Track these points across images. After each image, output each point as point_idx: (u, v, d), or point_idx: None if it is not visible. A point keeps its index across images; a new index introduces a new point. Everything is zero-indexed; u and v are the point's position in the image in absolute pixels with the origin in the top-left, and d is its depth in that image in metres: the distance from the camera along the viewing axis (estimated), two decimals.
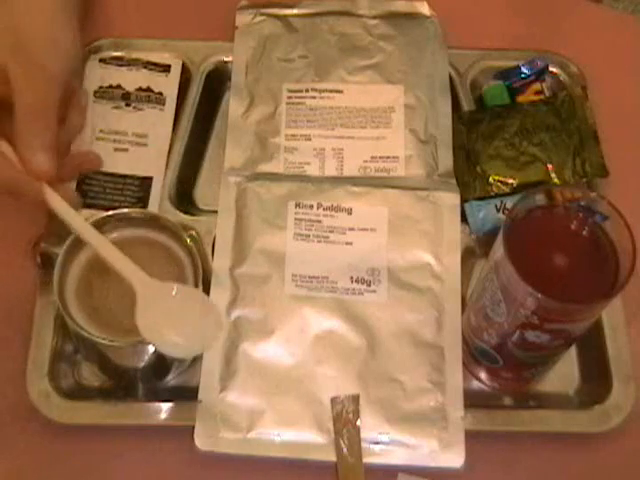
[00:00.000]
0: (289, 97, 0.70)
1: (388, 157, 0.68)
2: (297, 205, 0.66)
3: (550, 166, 0.68)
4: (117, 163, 0.68)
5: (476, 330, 0.60)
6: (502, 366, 0.61)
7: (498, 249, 0.53)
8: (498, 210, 0.67)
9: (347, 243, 0.65)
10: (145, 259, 0.59)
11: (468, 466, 0.59)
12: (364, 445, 0.59)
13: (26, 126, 0.57)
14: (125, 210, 0.62)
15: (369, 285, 0.63)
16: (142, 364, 0.61)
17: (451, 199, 0.66)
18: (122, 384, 0.63)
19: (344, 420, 0.59)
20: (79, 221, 0.58)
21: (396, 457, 0.59)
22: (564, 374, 0.64)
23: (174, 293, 0.57)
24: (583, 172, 0.68)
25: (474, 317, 0.60)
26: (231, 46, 0.72)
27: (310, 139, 0.69)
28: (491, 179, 0.67)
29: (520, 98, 0.72)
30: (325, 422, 0.59)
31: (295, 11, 0.74)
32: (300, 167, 0.68)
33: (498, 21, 0.77)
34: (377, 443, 0.59)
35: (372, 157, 0.69)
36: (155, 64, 0.72)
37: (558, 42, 0.75)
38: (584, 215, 0.54)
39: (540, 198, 0.55)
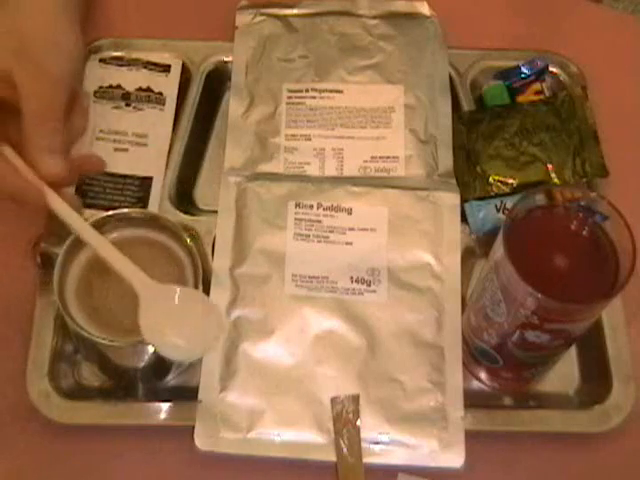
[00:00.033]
0: (289, 97, 0.70)
1: (388, 157, 0.68)
2: (297, 205, 0.66)
3: (550, 166, 0.68)
4: (117, 163, 0.68)
5: (476, 330, 0.60)
6: (502, 366, 0.61)
7: (498, 249, 0.53)
8: (498, 210, 0.67)
9: (347, 243, 0.65)
10: (145, 259, 0.59)
11: (468, 466, 0.59)
12: (364, 445, 0.59)
13: (34, 130, 0.58)
14: (125, 210, 0.62)
15: (369, 285, 0.63)
16: (142, 364, 0.61)
17: (451, 199, 0.66)
18: (122, 384, 0.63)
19: (344, 420, 0.59)
20: (80, 223, 0.58)
21: (396, 457, 0.59)
22: (564, 374, 0.64)
23: (176, 296, 0.58)
24: (583, 172, 0.68)
25: (474, 317, 0.60)
26: (231, 46, 0.72)
27: (310, 139, 0.69)
28: (491, 179, 0.68)
29: (520, 98, 0.72)
30: (325, 422, 0.59)
31: (295, 11, 0.74)
32: (300, 167, 0.68)
33: (498, 21, 0.77)
34: (377, 443, 0.59)
35: (372, 157, 0.69)
36: (155, 64, 0.72)
37: (558, 42, 0.75)
38: (584, 215, 0.54)
39: (540, 198, 0.55)
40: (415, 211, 0.66)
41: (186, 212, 0.67)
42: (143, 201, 0.67)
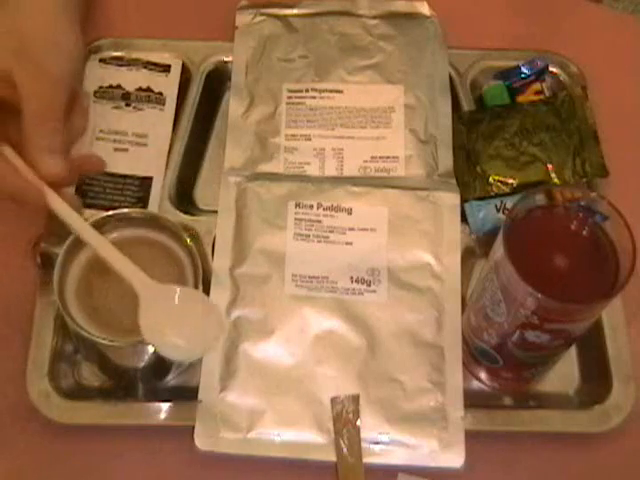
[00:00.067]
0: (289, 97, 0.70)
1: (388, 157, 0.68)
2: (297, 205, 0.66)
3: (550, 166, 0.68)
4: (117, 163, 0.68)
5: (476, 330, 0.60)
6: (502, 366, 0.61)
7: (498, 249, 0.53)
8: (498, 210, 0.67)
9: (347, 243, 0.65)
10: (145, 259, 0.59)
11: (468, 466, 0.59)
12: (364, 445, 0.59)
13: (35, 130, 0.58)
14: (125, 210, 0.62)
15: (369, 285, 0.63)
16: (142, 364, 0.61)
17: (451, 199, 0.66)
18: (122, 384, 0.63)
19: (344, 420, 0.59)
20: (80, 223, 0.58)
21: (396, 457, 0.59)
22: (564, 374, 0.64)
23: (176, 296, 0.58)
24: (583, 172, 0.68)
25: (474, 317, 0.60)
26: (231, 46, 0.72)
27: (310, 139, 0.69)
28: (491, 179, 0.67)
29: (520, 98, 0.72)
30: (325, 422, 0.59)
31: (295, 11, 0.74)
32: (300, 167, 0.68)
33: (498, 21, 0.77)
34: (377, 443, 0.59)
35: (372, 157, 0.69)
36: (155, 64, 0.72)
37: (558, 42, 0.75)
38: (584, 215, 0.54)
39: (540, 198, 0.55)
40: (415, 211, 0.66)
41: (186, 212, 0.67)
42: (143, 201, 0.67)
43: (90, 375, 0.63)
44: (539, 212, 0.55)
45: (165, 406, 0.60)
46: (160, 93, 0.71)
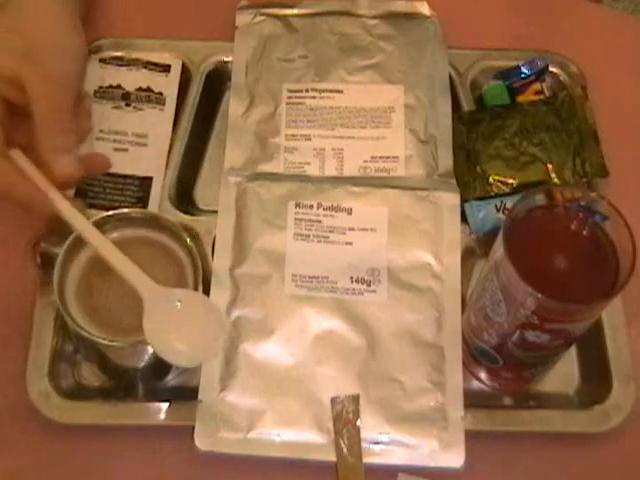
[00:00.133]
0: (289, 97, 0.70)
1: (388, 157, 0.68)
2: (297, 205, 0.66)
3: (550, 166, 0.68)
4: (117, 163, 0.68)
5: (476, 330, 0.60)
6: (502, 366, 0.61)
7: (498, 249, 0.53)
8: (498, 210, 0.67)
9: (347, 243, 0.65)
10: (145, 259, 0.59)
11: (468, 466, 0.59)
12: (364, 445, 0.59)
13: (46, 131, 0.58)
14: (125, 210, 0.62)
15: (369, 285, 0.63)
16: (142, 364, 0.61)
17: (451, 199, 0.66)
18: (122, 384, 0.63)
19: (344, 420, 0.59)
20: (89, 228, 0.58)
21: (396, 457, 0.59)
22: (564, 374, 0.64)
23: (179, 300, 0.58)
24: (583, 172, 0.68)
25: (474, 317, 0.60)
26: (231, 46, 0.72)
27: (310, 139, 0.69)
28: (491, 179, 0.67)
29: (520, 98, 0.72)
30: (325, 422, 0.59)
31: (295, 11, 0.74)
32: (300, 167, 0.68)
33: (498, 21, 0.77)
34: (377, 443, 0.59)
35: (372, 157, 0.69)
36: (155, 64, 0.72)
37: (558, 42, 0.75)
38: (584, 215, 0.54)
39: (540, 198, 0.55)
40: (415, 211, 0.66)
41: (186, 212, 0.67)
42: (143, 201, 0.67)
43: (90, 375, 0.63)
44: (539, 212, 0.55)
45: (165, 406, 0.60)
46: (160, 93, 0.71)
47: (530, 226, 0.54)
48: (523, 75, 0.72)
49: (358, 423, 0.59)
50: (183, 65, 0.72)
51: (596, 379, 0.63)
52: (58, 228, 0.60)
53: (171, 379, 0.63)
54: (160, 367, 0.62)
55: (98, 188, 0.67)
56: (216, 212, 0.66)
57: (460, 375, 0.61)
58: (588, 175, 0.68)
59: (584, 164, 0.68)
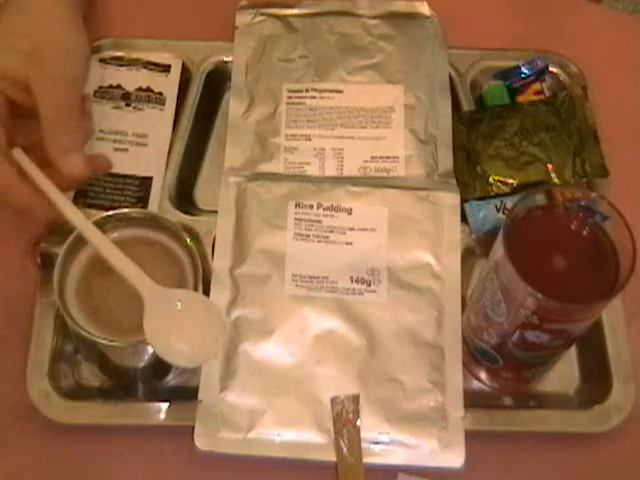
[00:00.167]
0: (289, 97, 0.70)
1: (388, 157, 0.68)
2: (297, 205, 0.66)
3: (550, 166, 0.68)
4: (117, 163, 0.68)
5: (476, 330, 0.60)
6: (502, 366, 0.61)
7: (498, 249, 0.53)
8: (498, 210, 0.67)
9: (347, 243, 0.65)
10: (145, 259, 0.59)
11: (468, 466, 0.59)
12: (364, 445, 0.59)
13: (53, 131, 0.58)
14: (125, 210, 0.62)
15: (369, 285, 0.63)
16: (142, 364, 0.61)
17: (451, 199, 0.66)
18: (122, 384, 0.63)
19: (344, 420, 0.59)
20: (90, 228, 0.58)
21: (396, 457, 0.59)
22: (564, 374, 0.64)
23: (180, 301, 0.58)
24: (583, 172, 0.68)
25: (474, 317, 0.60)
26: (231, 46, 0.72)
27: (310, 139, 0.69)
28: (491, 179, 0.67)
29: (520, 98, 0.72)
30: (325, 422, 0.59)
31: (295, 11, 0.74)
32: (300, 167, 0.68)
33: (498, 21, 0.77)
34: (377, 443, 0.59)
35: (372, 157, 0.68)
36: (155, 64, 0.72)
37: (558, 42, 0.75)
38: (584, 215, 0.54)
39: (540, 198, 0.55)
40: (415, 211, 0.66)
41: (186, 212, 0.67)
42: (143, 201, 0.67)
43: (90, 375, 0.63)
44: (539, 212, 0.55)
45: (165, 406, 0.60)
46: (160, 93, 0.71)
47: (530, 226, 0.54)
48: (523, 75, 0.72)
49: (358, 423, 0.59)
50: (183, 65, 0.72)
51: (596, 379, 0.63)
52: (58, 228, 0.60)
53: (171, 379, 0.63)
54: (160, 367, 0.62)
55: (98, 188, 0.67)
56: (216, 212, 0.66)
57: (460, 375, 0.61)
58: (588, 175, 0.68)
59: (584, 164, 0.68)
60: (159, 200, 0.67)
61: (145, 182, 0.68)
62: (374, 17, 0.73)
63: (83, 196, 0.66)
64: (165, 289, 0.57)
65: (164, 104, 0.71)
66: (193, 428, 0.59)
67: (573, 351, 0.65)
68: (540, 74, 0.72)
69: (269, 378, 0.60)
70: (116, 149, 0.69)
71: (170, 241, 0.62)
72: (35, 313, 0.62)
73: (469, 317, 0.61)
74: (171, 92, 0.71)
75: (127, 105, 0.70)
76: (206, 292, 0.62)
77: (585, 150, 0.68)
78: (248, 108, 0.70)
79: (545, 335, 0.54)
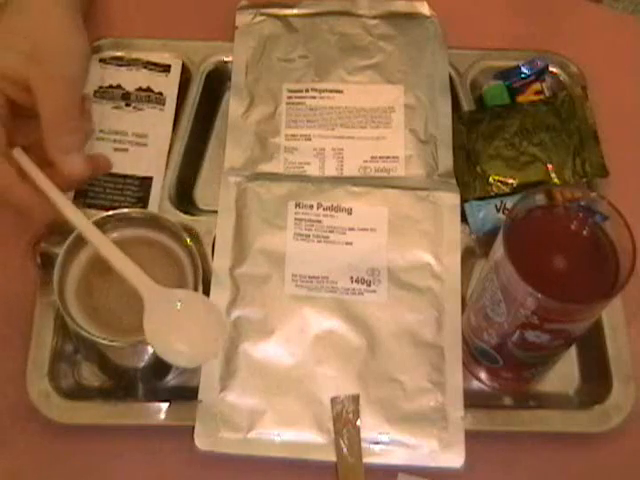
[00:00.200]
0: (289, 97, 0.70)
1: (388, 157, 0.68)
2: (297, 205, 0.66)
3: (550, 166, 0.68)
4: (117, 163, 0.68)
5: (476, 330, 0.60)
6: (502, 366, 0.61)
7: (498, 249, 0.53)
8: (498, 210, 0.67)
9: (347, 243, 0.65)
10: (145, 259, 0.59)
11: (468, 466, 0.59)
12: (364, 445, 0.59)
13: (54, 131, 0.58)
14: (125, 210, 0.62)
15: (369, 285, 0.63)
16: (142, 364, 0.61)
17: (451, 199, 0.66)
18: (122, 384, 0.63)
19: (344, 420, 0.59)
20: (90, 228, 0.58)
21: (396, 457, 0.59)
22: (564, 374, 0.64)
23: (179, 301, 0.58)
24: (583, 172, 0.68)
25: (474, 317, 0.60)
26: (231, 46, 0.72)
27: (310, 139, 0.69)
28: (491, 179, 0.67)
29: (520, 98, 0.72)
30: (325, 422, 0.59)
31: (295, 11, 0.74)
32: (300, 167, 0.68)
33: (498, 21, 0.77)
34: (377, 443, 0.59)
35: (372, 157, 0.69)
36: (155, 64, 0.72)
37: (558, 42, 0.75)
38: (584, 215, 0.54)
39: (540, 198, 0.55)
40: (415, 211, 0.66)
41: (186, 212, 0.67)
42: (143, 201, 0.67)
43: (90, 375, 0.63)
44: (539, 212, 0.55)
45: (165, 406, 0.60)
46: (160, 93, 0.71)
47: (530, 226, 0.54)
48: (523, 75, 0.72)
49: (358, 423, 0.59)
50: (183, 65, 0.72)
51: (596, 379, 0.63)
52: (58, 228, 0.60)
53: (171, 379, 0.63)
54: (160, 367, 0.62)
55: (98, 188, 0.67)
56: (216, 212, 0.66)
57: (460, 375, 0.61)
58: (588, 175, 0.68)
59: (584, 164, 0.68)
60: (159, 200, 0.67)
61: (145, 182, 0.68)
62: (374, 17, 0.73)
63: (83, 196, 0.66)
64: (165, 289, 0.57)
65: (164, 104, 0.71)
66: (193, 428, 0.59)
67: (573, 351, 0.65)
68: (540, 74, 0.72)
69: (269, 378, 0.60)
70: (116, 149, 0.69)
71: (170, 241, 0.62)
72: (35, 313, 0.62)
73: (469, 317, 0.61)
74: (171, 92, 0.71)
75: (127, 105, 0.70)
76: (206, 292, 0.62)
77: (585, 150, 0.68)
78: (248, 108, 0.70)
79: (545, 335, 0.54)
